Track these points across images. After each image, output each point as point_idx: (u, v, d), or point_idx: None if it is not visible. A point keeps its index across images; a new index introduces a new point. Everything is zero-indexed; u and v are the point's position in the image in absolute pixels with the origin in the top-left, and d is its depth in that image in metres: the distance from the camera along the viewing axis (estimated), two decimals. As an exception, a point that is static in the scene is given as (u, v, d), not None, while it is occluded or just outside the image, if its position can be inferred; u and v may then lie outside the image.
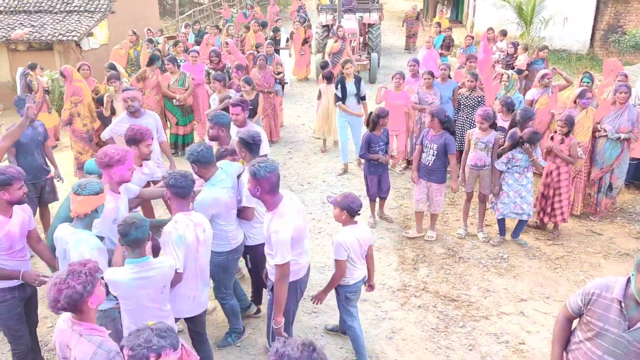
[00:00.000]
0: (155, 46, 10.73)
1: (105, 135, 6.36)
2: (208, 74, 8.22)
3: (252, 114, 8.00)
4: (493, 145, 6.22)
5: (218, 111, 5.58)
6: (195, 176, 4.06)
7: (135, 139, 4.73)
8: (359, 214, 4.24)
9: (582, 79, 7.21)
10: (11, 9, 13.55)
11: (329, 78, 8.97)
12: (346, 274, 4.20)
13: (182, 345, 2.33)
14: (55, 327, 2.87)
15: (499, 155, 6.18)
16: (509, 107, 6.83)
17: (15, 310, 3.82)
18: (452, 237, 6.60)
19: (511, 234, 6.46)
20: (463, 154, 6.55)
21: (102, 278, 2.88)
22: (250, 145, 4.44)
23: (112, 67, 8.67)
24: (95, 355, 2.61)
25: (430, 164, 6.25)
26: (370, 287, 4.52)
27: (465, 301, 5.36)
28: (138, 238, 3.24)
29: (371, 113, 6.74)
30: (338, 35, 11.84)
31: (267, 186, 3.55)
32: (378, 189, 6.83)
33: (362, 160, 8.51)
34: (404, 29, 18.80)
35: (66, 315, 2.77)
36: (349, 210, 4.16)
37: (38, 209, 6.21)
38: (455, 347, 4.71)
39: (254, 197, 3.65)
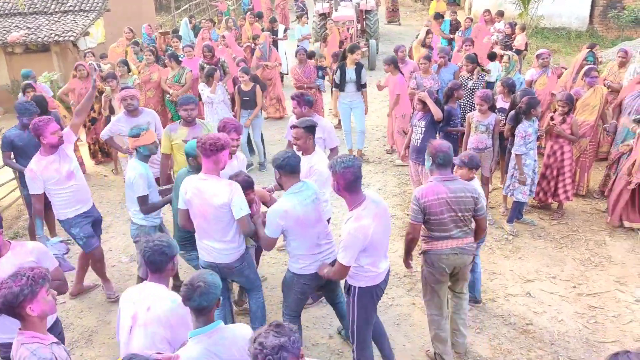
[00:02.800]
0: (142, 48, 10.59)
1: (104, 135, 6.36)
2: (202, 68, 8.18)
3: (251, 105, 7.99)
4: (494, 127, 6.21)
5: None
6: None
7: (220, 129, 4.71)
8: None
9: (585, 58, 7.15)
10: (6, 12, 13.51)
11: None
12: None
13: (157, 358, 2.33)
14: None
15: (506, 138, 6.16)
16: (510, 88, 6.78)
17: None
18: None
19: (507, 219, 6.38)
20: (464, 137, 6.53)
21: (49, 287, 2.73)
22: (311, 128, 4.54)
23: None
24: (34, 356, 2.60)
25: (418, 144, 6.24)
26: None
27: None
28: (202, 307, 2.71)
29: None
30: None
31: (342, 182, 3.46)
32: None
33: (363, 152, 8.53)
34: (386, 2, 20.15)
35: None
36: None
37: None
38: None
39: (335, 192, 3.60)
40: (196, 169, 4.24)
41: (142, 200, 4.59)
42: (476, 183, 4.56)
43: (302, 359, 2.20)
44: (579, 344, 4.54)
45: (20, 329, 2.71)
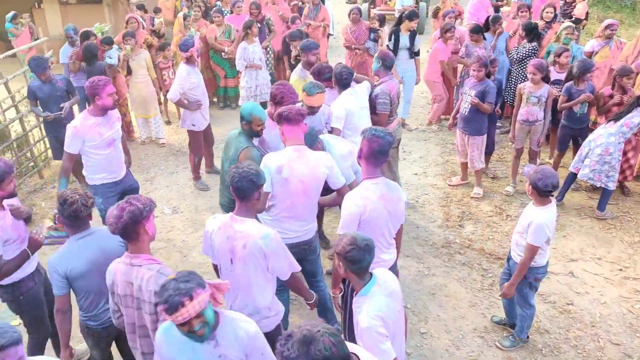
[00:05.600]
0: (192, 3, 10.50)
1: (174, 96, 6.17)
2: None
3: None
4: (546, 100, 5.95)
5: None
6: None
7: (276, 98, 4.41)
8: (550, 195, 3.75)
9: None
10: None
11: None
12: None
13: (208, 283, 2.39)
14: (107, 275, 2.95)
15: (559, 111, 5.87)
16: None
17: (41, 297, 3.80)
18: (500, 194, 6.43)
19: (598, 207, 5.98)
20: (514, 109, 6.29)
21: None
22: (341, 81, 4.83)
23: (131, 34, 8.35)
24: (156, 278, 2.78)
25: (466, 112, 6.06)
26: None
27: (512, 260, 5.26)
28: (366, 265, 2.69)
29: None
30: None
31: (365, 149, 3.29)
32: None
33: (406, 121, 8.37)
34: None
35: (120, 259, 2.91)
36: (535, 188, 3.69)
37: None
38: (499, 304, 4.63)
39: (357, 160, 3.44)
40: (248, 134, 4.14)
41: None
42: None
43: None
44: (622, 328, 4.41)
45: (129, 252, 2.88)
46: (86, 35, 7.32)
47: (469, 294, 4.84)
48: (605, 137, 5.60)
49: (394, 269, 3.55)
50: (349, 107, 4.87)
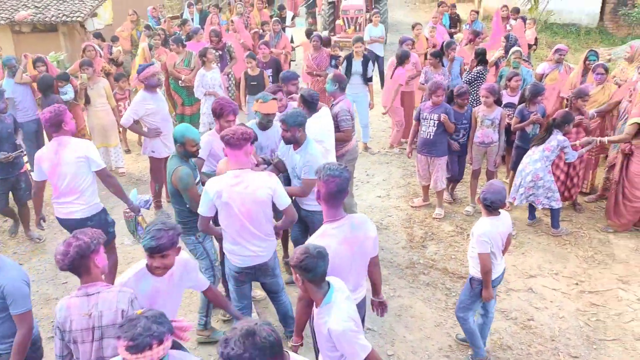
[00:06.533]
0: (153, 32, 10.53)
1: (127, 121, 6.17)
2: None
3: (258, 90, 7.94)
4: (499, 122, 6.20)
5: (293, 110, 4.68)
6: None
7: (216, 112, 4.63)
8: (496, 212, 3.94)
9: (587, 57, 7.06)
10: (14, -10, 13.45)
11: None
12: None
13: (173, 325, 2.41)
14: (58, 312, 2.84)
15: (513, 133, 6.13)
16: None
17: None
18: (461, 214, 6.60)
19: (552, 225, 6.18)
20: (470, 132, 6.51)
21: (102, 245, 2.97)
22: (309, 103, 4.91)
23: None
24: (119, 296, 2.79)
25: (431, 136, 6.22)
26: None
27: (474, 278, 5.37)
28: (324, 272, 2.77)
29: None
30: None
31: (323, 191, 3.14)
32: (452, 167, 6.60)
33: (368, 145, 8.54)
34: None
35: (73, 293, 2.86)
36: (481, 200, 3.92)
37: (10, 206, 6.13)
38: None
39: (316, 199, 3.30)
40: (183, 155, 4.17)
41: None
42: None
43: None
44: (580, 340, 4.55)
45: (82, 284, 2.85)
46: (40, 60, 7.27)
47: (434, 314, 4.92)
48: (532, 165, 5.89)
49: (362, 305, 3.48)
50: (314, 135, 4.76)
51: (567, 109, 6.11)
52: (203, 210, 3.74)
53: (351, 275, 3.27)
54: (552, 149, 5.80)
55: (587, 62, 7.02)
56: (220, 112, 4.59)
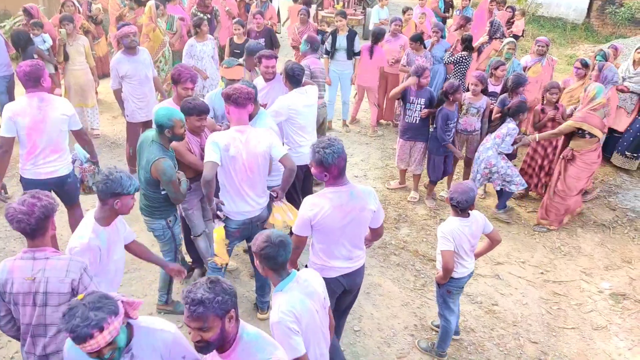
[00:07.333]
0: None
1: (114, 84, 6.16)
2: (194, 15, 7.95)
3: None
4: (484, 111, 6.24)
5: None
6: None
7: (174, 78, 4.61)
8: (464, 212, 3.87)
9: (595, 57, 7.08)
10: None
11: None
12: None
13: (121, 301, 2.27)
14: (2, 272, 2.78)
15: (493, 122, 6.18)
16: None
17: None
18: (435, 199, 6.67)
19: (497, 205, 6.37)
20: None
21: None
22: (291, 77, 4.88)
23: None
24: (71, 265, 2.76)
25: (417, 121, 6.24)
26: None
27: (443, 261, 5.47)
28: (285, 260, 2.74)
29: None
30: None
31: (335, 172, 3.22)
32: (445, 169, 6.45)
33: (347, 121, 8.51)
34: None
35: (17, 255, 2.81)
36: (451, 202, 3.85)
37: None
38: (431, 304, 4.83)
39: (321, 180, 3.32)
40: (169, 141, 3.93)
41: None
42: None
43: (230, 320, 2.22)
44: (540, 327, 4.69)
45: (30, 246, 2.80)
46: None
47: (402, 293, 5.00)
48: (484, 153, 6.02)
49: (360, 272, 3.59)
50: (294, 106, 4.89)
51: (522, 99, 6.10)
52: (214, 157, 3.76)
53: (343, 240, 3.36)
54: (502, 137, 5.90)
55: (595, 61, 7.04)
56: (177, 79, 4.57)
